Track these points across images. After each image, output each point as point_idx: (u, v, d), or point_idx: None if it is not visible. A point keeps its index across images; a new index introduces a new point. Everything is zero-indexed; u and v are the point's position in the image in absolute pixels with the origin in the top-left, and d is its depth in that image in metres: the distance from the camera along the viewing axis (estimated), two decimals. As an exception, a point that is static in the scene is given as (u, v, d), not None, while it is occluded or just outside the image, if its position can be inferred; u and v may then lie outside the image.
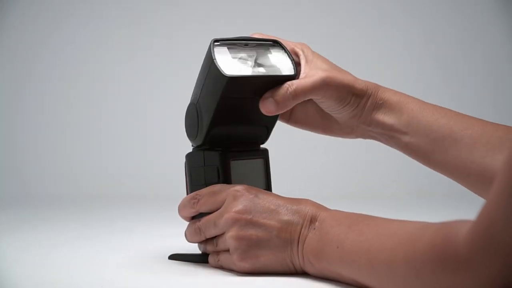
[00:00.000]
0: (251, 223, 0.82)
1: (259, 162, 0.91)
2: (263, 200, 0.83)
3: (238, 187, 0.84)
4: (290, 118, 0.95)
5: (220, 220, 0.84)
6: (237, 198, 0.83)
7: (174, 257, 0.93)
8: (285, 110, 0.87)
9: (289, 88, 0.86)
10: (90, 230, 1.24)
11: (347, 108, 0.90)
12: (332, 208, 0.83)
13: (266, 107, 0.87)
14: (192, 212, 0.88)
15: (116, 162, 1.93)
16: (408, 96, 0.91)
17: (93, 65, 2.00)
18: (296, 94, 0.87)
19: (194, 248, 0.92)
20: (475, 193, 0.88)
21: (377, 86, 0.91)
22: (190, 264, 0.90)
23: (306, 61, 0.91)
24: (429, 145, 0.88)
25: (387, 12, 2.03)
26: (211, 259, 0.88)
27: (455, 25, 2.03)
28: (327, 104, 0.89)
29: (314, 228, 0.79)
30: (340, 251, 0.75)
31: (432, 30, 2.04)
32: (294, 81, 0.87)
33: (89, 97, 1.99)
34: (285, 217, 0.81)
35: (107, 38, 2.01)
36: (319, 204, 0.82)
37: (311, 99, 0.90)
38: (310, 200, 0.83)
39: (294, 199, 0.83)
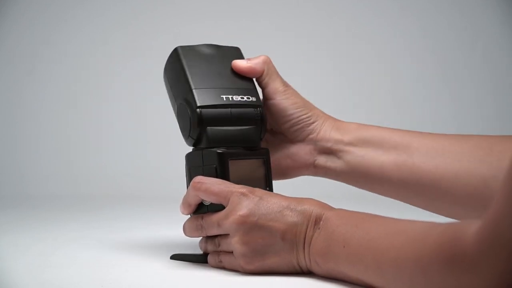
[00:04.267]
0: (256, 227, 0.81)
1: (259, 162, 0.91)
2: (267, 202, 0.82)
3: (243, 189, 0.84)
4: None
5: (225, 222, 0.83)
6: (241, 201, 0.83)
7: (175, 257, 0.93)
8: (256, 71, 0.94)
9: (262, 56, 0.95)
10: (90, 230, 1.24)
11: (306, 119, 0.95)
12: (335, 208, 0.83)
13: (239, 61, 0.95)
14: (194, 195, 0.87)
15: (116, 162, 1.93)
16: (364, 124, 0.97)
17: (93, 65, 2.00)
18: (265, 61, 0.95)
19: (195, 248, 0.92)
20: (425, 207, 0.92)
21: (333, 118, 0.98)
22: (192, 264, 0.90)
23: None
24: (384, 154, 0.92)
25: (386, 12, 2.03)
26: (211, 258, 0.87)
27: (455, 25, 2.03)
28: (288, 106, 0.94)
29: (319, 228, 0.79)
30: (347, 250, 0.75)
31: (432, 30, 2.04)
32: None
33: (89, 97, 1.99)
34: (290, 219, 0.81)
35: (107, 38, 2.01)
36: (324, 203, 0.82)
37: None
38: (315, 200, 0.82)
39: (299, 199, 0.83)
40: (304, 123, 0.95)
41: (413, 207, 0.94)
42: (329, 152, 0.95)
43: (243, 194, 0.83)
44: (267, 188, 0.90)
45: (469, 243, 0.58)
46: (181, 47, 0.96)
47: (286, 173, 0.97)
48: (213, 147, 0.89)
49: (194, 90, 0.91)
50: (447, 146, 0.88)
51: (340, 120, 0.97)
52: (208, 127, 0.90)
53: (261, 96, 0.96)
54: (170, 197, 1.21)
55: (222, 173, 0.87)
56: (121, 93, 2.00)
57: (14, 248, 1.05)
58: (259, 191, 0.84)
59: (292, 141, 0.96)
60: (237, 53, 0.96)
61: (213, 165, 0.88)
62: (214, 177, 0.87)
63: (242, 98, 0.91)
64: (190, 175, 0.90)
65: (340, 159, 0.94)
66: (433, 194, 0.88)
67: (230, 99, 0.91)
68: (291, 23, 2.00)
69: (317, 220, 0.80)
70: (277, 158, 0.96)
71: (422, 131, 0.93)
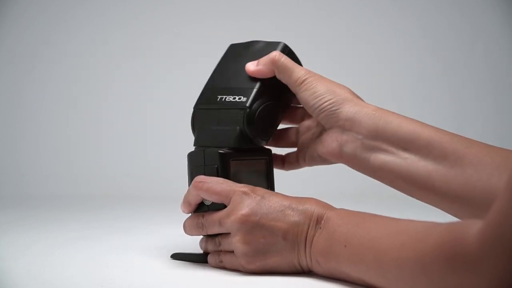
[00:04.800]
0: (258, 226, 0.81)
1: (261, 162, 0.91)
2: (269, 201, 0.82)
3: (245, 189, 0.84)
4: (284, 164, 0.97)
5: (226, 221, 0.83)
6: (243, 200, 0.83)
7: (176, 256, 0.93)
8: (264, 73, 0.91)
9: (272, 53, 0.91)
10: (90, 230, 1.24)
11: (329, 105, 0.89)
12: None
13: (247, 67, 0.91)
14: (195, 195, 0.87)
15: (116, 162, 1.93)
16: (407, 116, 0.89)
17: (93, 65, 2.00)
18: (273, 61, 0.90)
19: (196, 248, 0.92)
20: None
21: (374, 106, 0.89)
22: (192, 264, 0.90)
23: None
24: (431, 163, 0.84)
25: (387, 12, 2.03)
26: (211, 258, 0.87)
27: (455, 25, 2.03)
28: (305, 97, 0.90)
29: (320, 228, 0.79)
30: (348, 249, 0.75)
31: (432, 31, 2.04)
32: None
33: (89, 97, 1.99)
34: (292, 218, 0.81)
35: (107, 38, 2.01)
36: (325, 203, 0.82)
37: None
38: (316, 199, 0.82)
39: (300, 198, 0.83)
40: (327, 110, 0.89)
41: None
42: (360, 144, 0.88)
43: (244, 193, 0.83)
44: (269, 189, 0.90)
45: (470, 242, 0.58)
46: (232, 44, 0.97)
47: (323, 160, 0.93)
48: (200, 146, 0.90)
49: (203, 91, 0.94)
50: (503, 163, 0.80)
51: (379, 108, 0.88)
52: (198, 127, 0.92)
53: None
54: (170, 197, 1.21)
55: (224, 173, 0.87)
56: (121, 93, 2.00)
57: (14, 248, 1.05)
58: (261, 190, 0.84)
59: (324, 128, 0.91)
60: (269, 50, 0.93)
61: (214, 165, 0.88)
62: (215, 176, 0.88)
63: (234, 98, 0.91)
64: (191, 174, 0.90)
65: (375, 156, 0.87)
66: (484, 212, 0.81)
67: (223, 99, 0.91)
68: (291, 23, 2.00)
69: (319, 220, 0.80)
70: (315, 144, 0.93)
71: (472, 139, 0.84)
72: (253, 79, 0.92)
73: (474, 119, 2.00)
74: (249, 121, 0.90)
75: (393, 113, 0.88)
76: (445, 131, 0.85)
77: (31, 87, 1.98)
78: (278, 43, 0.95)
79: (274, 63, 0.91)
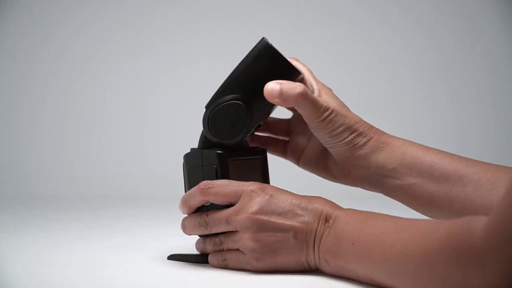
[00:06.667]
0: (268, 224, 0.82)
1: (257, 161, 0.91)
2: (278, 200, 0.83)
3: (253, 187, 0.84)
4: (300, 160, 0.95)
5: (235, 219, 0.83)
6: (252, 198, 0.83)
7: (173, 257, 0.92)
8: (283, 104, 0.87)
9: (299, 88, 0.86)
10: (90, 230, 1.24)
11: (343, 144, 0.89)
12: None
13: (270, 89, 0.86)
14: (201, 200, 0.87)
15: (116, 162, 1.93)
16: (411, 141, 0.90)
17: (94, 66, 2.00)
18: (303, 96, 0.86)
19: (193, 248, 0.92)
20: None
21: (380, 131, 0.90)
22: (191, 264, 0.90)
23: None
24: (433, 184, 0.87)
25: (387, 13, 2.03)
26: (213, 258, 0.87)
27: (455, 25, 2.03)
28: (322, 136, 0.89)
29: (328, 226, 0.80)
30: (356, 247, 0.75)
31: (432, 30, 2.04)
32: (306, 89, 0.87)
33: (89, 97, 1.99)
34: (301, 217, 0.82)
35: (108, 38, 2.01)
36: (332, 202, 0.83)
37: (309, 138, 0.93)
38: (324, 198, 0.83)
39: (309, 197, 0.83)
40: (349, 145, 0.89)
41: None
42: (368, 177, 0.90)
43: (253, 191, 0.84)
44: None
45: (476, 236, 0.59)
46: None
47: (327, 178, 0.95)
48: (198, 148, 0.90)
49: None
50: (503, 177, 0.84)
51: (385, 134, 0.90)
52: None
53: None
54: (170, 197, 1.21)
55: (223, 173, 0.87)
56: (122, 93, 2.00)
57: (14, 248, 1.05)
58: (270, 188, 0.84)
59: (333, 156, 0.92)
60: (253, 51, 0.89)
61: (213, 166, 0.88)
62: (213, 177, 0.87)
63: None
64: (189, 176, 0.90)
65: (383, 184, 0.90)
66: None
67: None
68: (290, 25, 2.00)
69: (327, 219, 0.81)
70: (318, 165, 0.93)
71: (472, 159, 0.87)
72: (226, 78, 0.89)
73: (474, 119, 2.00)
74: (203, 122, 0.89)
75: (396, 139, 0.90)
76: (449, 154, 0.88)
77: (31, 87, 1.98)
78: (260, 42, 0.90)
79: (301, 100, 0.86)
